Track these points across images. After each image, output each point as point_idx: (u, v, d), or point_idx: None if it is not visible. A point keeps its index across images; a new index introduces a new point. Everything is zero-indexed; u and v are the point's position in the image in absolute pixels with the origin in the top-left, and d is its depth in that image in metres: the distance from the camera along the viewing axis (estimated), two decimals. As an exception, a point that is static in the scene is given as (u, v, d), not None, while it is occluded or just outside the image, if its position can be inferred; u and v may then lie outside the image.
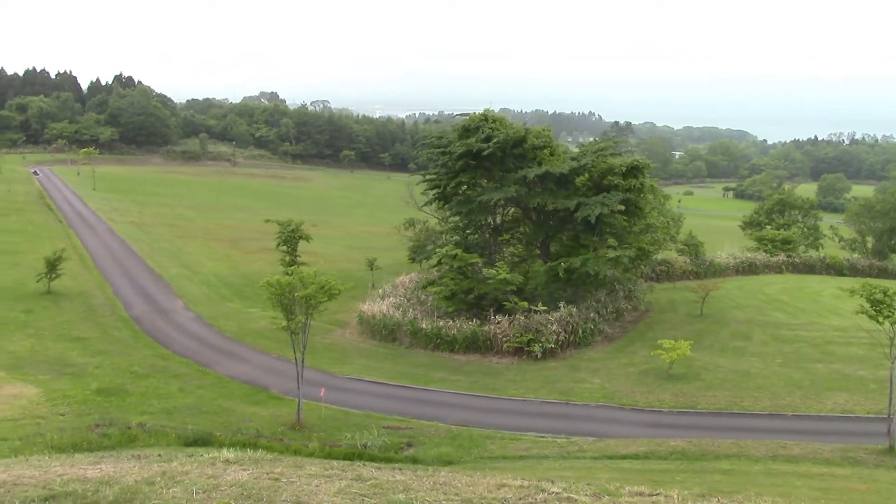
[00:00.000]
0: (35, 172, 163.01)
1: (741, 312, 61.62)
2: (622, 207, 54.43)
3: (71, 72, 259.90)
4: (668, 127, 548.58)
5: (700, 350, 50.30)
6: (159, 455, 15.73)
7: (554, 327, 51.45)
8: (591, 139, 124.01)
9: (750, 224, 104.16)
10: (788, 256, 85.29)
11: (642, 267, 68.23)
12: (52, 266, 61.99)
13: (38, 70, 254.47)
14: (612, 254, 54.55)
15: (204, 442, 31.14)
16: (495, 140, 57.81)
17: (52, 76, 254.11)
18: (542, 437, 36.44)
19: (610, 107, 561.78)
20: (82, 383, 41.34)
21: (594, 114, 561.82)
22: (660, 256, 75.54)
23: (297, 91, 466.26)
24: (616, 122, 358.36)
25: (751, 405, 41.31)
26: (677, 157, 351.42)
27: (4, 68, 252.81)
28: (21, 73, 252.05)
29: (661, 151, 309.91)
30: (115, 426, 33.24)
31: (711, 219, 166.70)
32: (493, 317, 53.19)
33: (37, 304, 58.57)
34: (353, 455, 30.11)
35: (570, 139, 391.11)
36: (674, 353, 45.07)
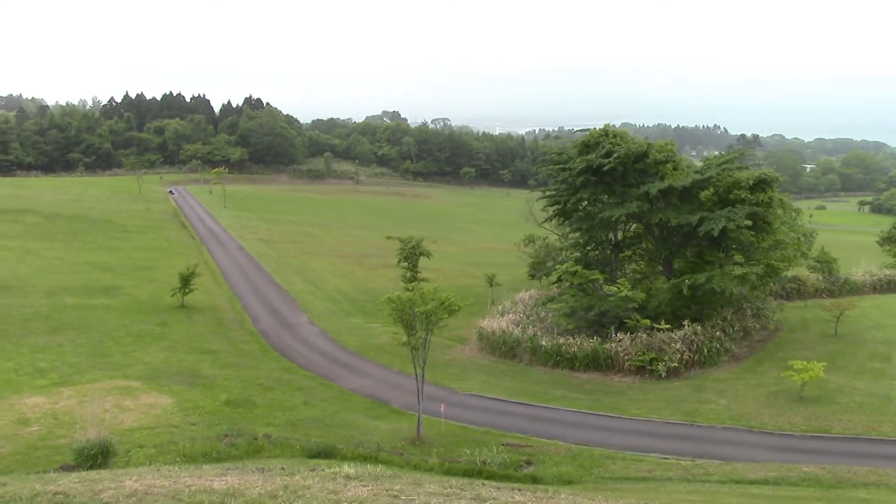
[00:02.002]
0: (171, 191, 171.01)
1: (880, 332, 58.59)
2: (749, 222, 52.64)
3: (204, 95, 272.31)
4: (798, 139, 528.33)
5: (834, 372, 48.09)
6: (282, 468, 16.10)
7: (678, 346, 50.18)
8: (716, 153, 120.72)
9: (888, 240, 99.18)
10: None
11: (771, 284, 65.88)
12: (186, 281, 64.71)
13: (175, 94, 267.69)
14: (738, 270, 52.87)
15: (327, 454, 31.75)
16: (616, 155, 56.99)
17: (188, 100, 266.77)
18: (666, 458, 35.48)
19: (735, 118, 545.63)
20: (212, 394, 42.86)
21: (719, 127, 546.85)
22: (790, 273, 72.69)
23: (419, 109, 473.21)
24: (742, 135, 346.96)
25: (891, 431, 39.08)
26: (808, 169, 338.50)
27: (144, 93, 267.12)
28: (159, 98, 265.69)
29: (790, 164, 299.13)
30: (242, 437, 34.30)
31: (846, 234, 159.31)
32: (614, 334, 52.35)
33: (171, 318, 61.20)
34: (472, 472, 30.07)
35: (693, 153, 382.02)
36: (806, 375, 43.22)
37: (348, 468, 13.55)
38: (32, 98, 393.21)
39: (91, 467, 25.39)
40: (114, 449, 27.44)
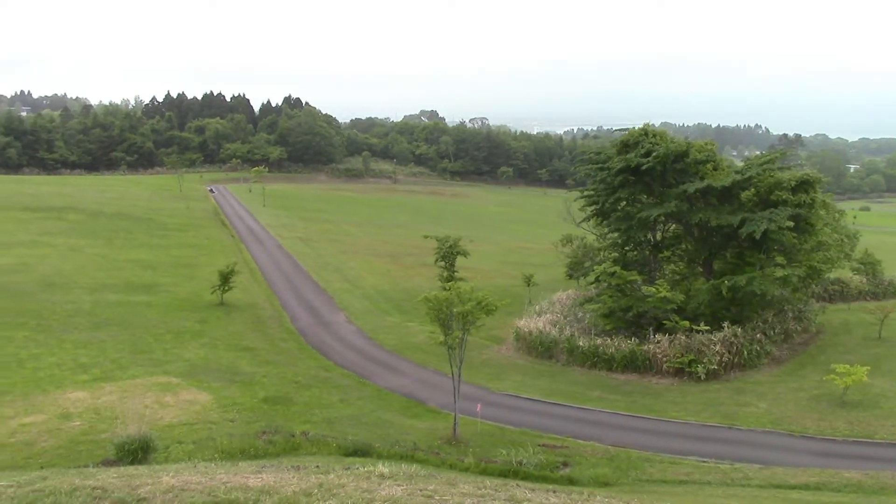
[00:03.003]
0: (211, 190, 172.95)
1: (925, 336, 57.39)
2: (791, 223, 51.87)
3: (244, 94, 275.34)
4: (842, 139, 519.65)
5: (878, 376, 47.25)
6: (317, 466, 16.15)
7: (717, 348, 49.61)
8: (758, 153, 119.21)
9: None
10: (980, 277, 78.73)
11: (813, 286, 64.89)
12: (225, 279, 65.36)
13: (215, 94, 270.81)
14: (780, 272, 52.12)
15: (363, 452, 31.85)
16: (655, 154, 56.52)
17: (228, 99, 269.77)
18: (704, 462, 35.10)
19: (777, 118, 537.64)
20: (251, 391, 43.21)
21: (760, 126, 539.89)
22: (833, 275, 71.54)
23: (456, 108, 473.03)
24: (784, 135, 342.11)
25: (936, 437, 38.29)
26: (852, 170, 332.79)
27: (185, 93, 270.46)
28: (200, 97, 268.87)
29: (833, 165, 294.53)
30: (279, 434, 34.55)
31: (891, 236, 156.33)
32: (652, 336, 51.90)
33: (211, 315, 61.86)
34: (508, 472, 30.00)
35: (734, 153, 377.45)
36: (849, 379, 42.51)
37: (382, 467, 13.56)
38: (77, 97, 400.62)
39: (131, 462, 25.71)
40: (154, 444, 27.75)
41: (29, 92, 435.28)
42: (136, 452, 26.87)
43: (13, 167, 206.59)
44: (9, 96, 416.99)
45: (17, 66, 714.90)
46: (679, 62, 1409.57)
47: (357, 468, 13.57)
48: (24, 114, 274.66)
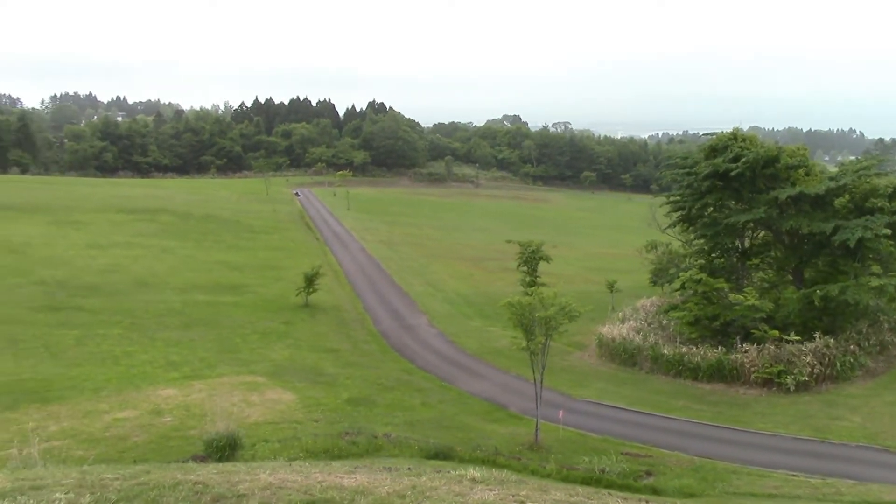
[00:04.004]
0: (297, 193, 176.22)
1: None
2: (888, 231, 50.01)
3: (329, 100, 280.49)
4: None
5: (981, 391, 45.13)
6: (409, 468, 16.28)
7: (808, 359, 48.07)
8: (852, 158, 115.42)
9: None
10: None
11: (911, 296, 62.33)
12: (310, 281, 66.46)
13: (301, 99, 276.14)
14: (875, 282, 50.28)
15: (444, 456, 31.90)
16: (744, 160, 55.21)
17: (314, 104, 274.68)
18: (794, 475, 34.05)
19: (872, 121, 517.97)
20: (334, 392, 43.77)
21: (854, 130, 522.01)
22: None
23: (539, 112, 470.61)
24: (880, 139, 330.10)
25: None
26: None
27: (273, 98, 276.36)
28: (287, 102, 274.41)
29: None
30: (362, 435, 34.85)
31: None
32: (739, 345, 50.64)
33: (296, 317, 62.94)
34: (590, 480, 29.67)
35: (826, 158, 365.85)
36: (949, 393, 40.69)
37: (473, 471, 13.58)
38: (169, 103, 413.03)
39: (219, 459, 26.24)
40: (241, 442, 28.25)
41: (124, 98, 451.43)
42: (224, 449, 27.38)
43: (109, 170, 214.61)
44: (105, 102, 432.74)
45: (115, 73, 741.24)
46: (765, 62, 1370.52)
47: (448, 472, 13.62)
48: (119, 119, 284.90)
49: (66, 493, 10.58)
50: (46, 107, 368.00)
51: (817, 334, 50.16)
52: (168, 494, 10.61)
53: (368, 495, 10.44)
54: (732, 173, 55.64)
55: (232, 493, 10.64)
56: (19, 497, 10.44)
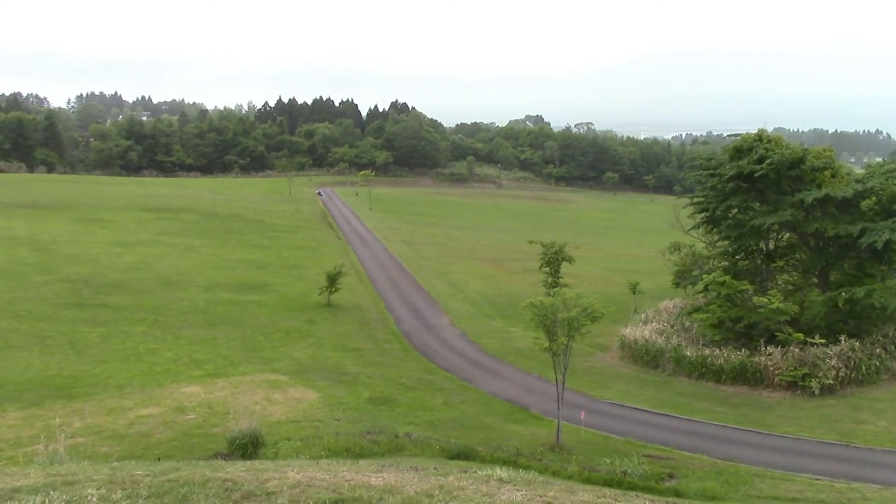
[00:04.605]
0: (319, 193, 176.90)
1: None
2: (916, 234, 49.49)
3: (352, 100, 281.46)
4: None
5: None
6: (435, 468, 16.32)
7: (833, 362, 47.65)
8: (878, 160, 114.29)
9: None
10: None
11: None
12: (333, 280, 66.71)
13: (324, 99, 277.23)
14: (902, 285, 49.78)
15: (466, 456, 31.92)
16: (769, 161, 54.82)
17: (336, 104, 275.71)
18: (818, 479, 33.79)
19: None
20: (356, 391, 43.90)
21: (881, 132, 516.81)
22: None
23: (562, 113, 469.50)
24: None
25: None
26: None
27: (296, 98, 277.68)
28: (310, 102, 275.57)
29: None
30: (384, 434, 34.91)
31: None
32: (763, 348, 50.30)
33: (318, 316, 63.21)
34: (612, 482, 29.55)
35: (852, 160, 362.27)
36: (977, 399, 40.22)
37: (500, 471, 13.62)
38: (193, 102, 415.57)
39: (242, 456, 26.39)
40: (263, 440, 28.40)
41: (149, 97, 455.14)
42: (247, 447, 27.53)
43: (134, 169, 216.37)
44: (131, 101, 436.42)
45: (140, 73, 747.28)
46: (789, 61, 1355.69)
47: (475, 471, 13.67)
48: (144, 118, 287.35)
49: (97, 489, 10.72)
50: (73, 106, 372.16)
51: (842, 337, 49.75)
52: (198, 491, 10.74)
53: (397, 494, 10.51)
54: (757, 175, 55.28)
55: (261, 490, 10.74)
56: (52, 492, 10.60)
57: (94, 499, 10.41)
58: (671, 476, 33.20)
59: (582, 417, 39.38)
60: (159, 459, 24.31)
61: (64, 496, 10.44)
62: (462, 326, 64.19)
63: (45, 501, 10.29)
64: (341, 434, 34.72)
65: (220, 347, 51.04)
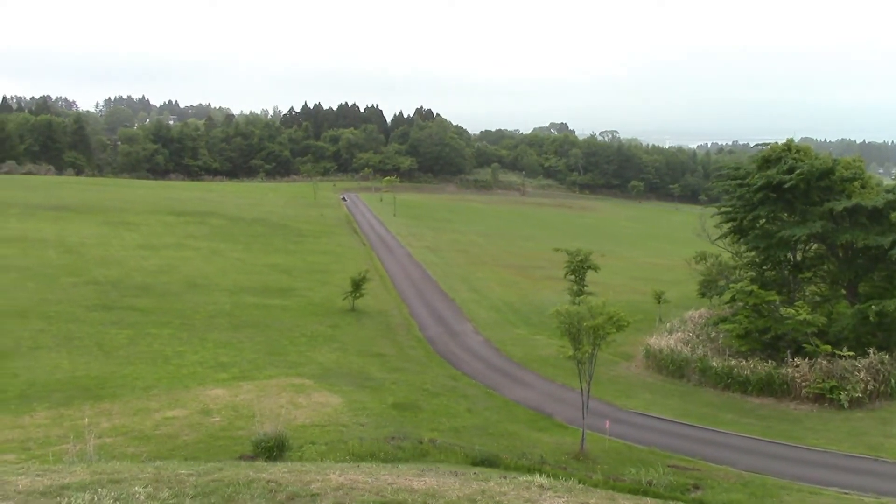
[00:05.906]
0: (343, 198, 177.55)
1: None
2: (947, 246, 48.93)
3: (377, 105, 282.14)
4: None
5: None
6: (475, 473, 16.37)
7: (862, 375, 47.13)
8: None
9: None
10: None
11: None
12: (357, 286, 66.94)
13: (350, 104, 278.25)
14: (934, 298, 49.19)
15: (490, 463, 31.91)
16: (799, 171, 54.40)
17: (362, 110, 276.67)
18: (846, 493, 33.47)
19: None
20: (380, 397, 43.98)
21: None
22: None
23: (586, 121, 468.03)
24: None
25: None
26: None
27: (321, 103, 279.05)
28: (335, 108, 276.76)
29: None
30: (408, 440, 35.01)
31: None
32: (790, 359, 49.88)
33: (342, 321, 63.42)
34: (637, 491, 29.41)
35: (881, 171, 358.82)
36: None
37: (540, 478, 13.64)
38: (220, 107, 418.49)
39: (267, 459, 26.52)
40: (288, 443, 28.55)
41: (176, 101, 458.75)
42: (272, 450, 27.67)
43: (160, 173, 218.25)
44: (158, 106, 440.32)
45: (167, 77, 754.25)
46: (815, 70, 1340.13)
47: (515, 477, 13.70)
48: (171, 123, 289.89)
49: (144, 488, 10.87)
50: (101, 110, 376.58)
51: (872, 350, 49.22)
52: (243, 491, 10.85)
53: (440, 498, 10.56)
54: (786, 185, 54.86)
55: (305, 492, 10.83)
56: (100, 490, 10.75)
57: (142, 497, 10.56)
58: (696, 487, 33.00)
59: (606, 426, 39.24)
60: (186, 461, 24.45)
61: (112, 493, 10.58)
62: (486, 333, 64.15)
63: (93, 499, 10.45)
64: (365, 439, 34.84)
65: (246, 351, 51.34)
